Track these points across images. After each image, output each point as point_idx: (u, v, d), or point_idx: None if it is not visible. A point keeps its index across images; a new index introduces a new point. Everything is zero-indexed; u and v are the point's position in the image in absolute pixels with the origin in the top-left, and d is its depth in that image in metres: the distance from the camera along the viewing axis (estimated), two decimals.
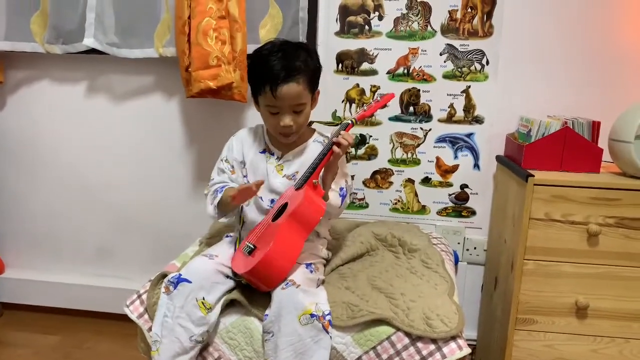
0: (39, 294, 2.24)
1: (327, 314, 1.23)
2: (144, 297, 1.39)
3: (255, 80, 1.39)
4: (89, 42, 1.88)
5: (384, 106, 1.52)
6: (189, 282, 1.26)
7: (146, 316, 1.36)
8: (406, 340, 1.23)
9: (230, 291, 1.33)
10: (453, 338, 1.22)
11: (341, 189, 1.44)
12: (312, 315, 1.20)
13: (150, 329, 1.33)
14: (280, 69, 1.32)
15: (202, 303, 1.25)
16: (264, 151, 1.49)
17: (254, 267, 1.23)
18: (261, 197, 1.45)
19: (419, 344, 1.22)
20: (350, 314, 1.26)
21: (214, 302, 1.28)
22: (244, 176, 1.49)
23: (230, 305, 1.31)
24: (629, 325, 1.50)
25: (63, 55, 1.99)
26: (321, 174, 1.36)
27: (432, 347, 1.22)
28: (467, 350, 1.22)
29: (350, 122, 1.41)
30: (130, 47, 1.92)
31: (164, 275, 1.39)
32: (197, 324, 1.25)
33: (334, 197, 1.40)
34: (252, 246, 1.29)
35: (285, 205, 1.32)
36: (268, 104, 1.37)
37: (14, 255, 2.29)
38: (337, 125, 1.47)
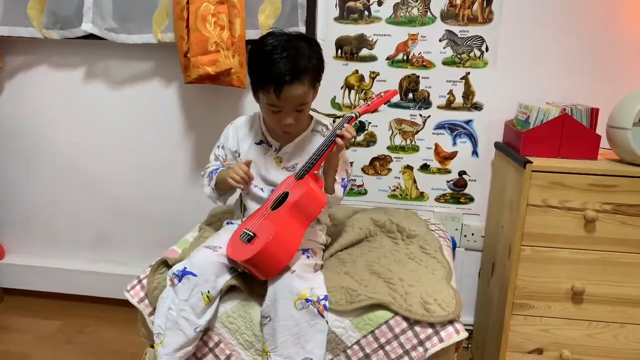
0: (38, 280, 2.25)
1: (323, 299, 1.24)
2: (145, 282, 1.40)
3: (257, 78, 1.33)
4: (87, 27, 1.87)
5: (387, 102, 1.51)
6: (194, 275, 1.25)
7: (147, 301, 1.38)
8: (404, 325, 1.24)
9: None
10: (450, 322, 1.23)
11: (343, 179, 1.44)
12: (307, 300, 1.21)
13: (150, 314, 1.35)
14: (286, 72, 1.27)
15: (207, 296, 1.26)
16: (260, 142, 1.48)
17: (254, 255, 1.21)
18: (262, 189, 1.45)
19: (417, 328, 1.24)
20: (349, 298, 1.27)
21: (217, 294, 1.29)
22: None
23: (230, 291, 1.32)
24: (624, 311, 1.52)
25: (61, 41, 1.98)
26: (322, 165, 1.36)
27: (429, 331, 1.23)
28: (464, 334, 1.23)
29: (353, 115, 1.41)
30: (128, 33, 1.91)
31: (165, 261, 1.40)
32: (200, 316, 1.26)
33: (336, 188, 1.41)
34: (251, 234, 1.27)
35: (285, 195, 1.32)
36: (270, 103, 1.33)
37: (14, 240, 2.30)
38: (339, 117, 1.46)
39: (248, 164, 1.40)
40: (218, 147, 1.52)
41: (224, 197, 1.52)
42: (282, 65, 1.28)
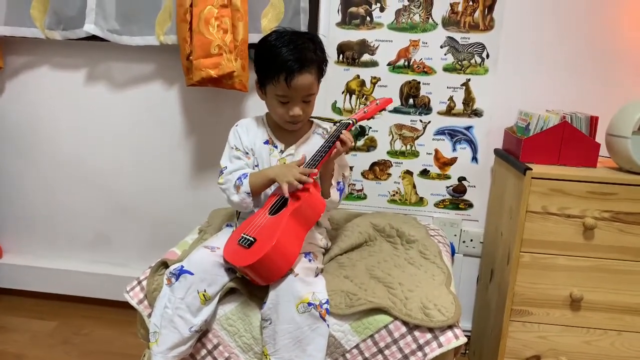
0: (36, 280, 2.24)
1: (324, 303, 1.24)
2: (144, 283, 1.40)
3: (266, 71, 1.37)
4: (89, 28, 1.87)
5: (382, 110, 1.54)
6: (191, 274, 1.25)
7: (146, 302, 1.37)
8: (403, 329, 1.24)
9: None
10: (450, 327, 1.23)
11: (338, 183, 1.46)
12: (309, 304, 1.21)
13: (149, 315, 1.34)
14: (295, 60, 1.32)
15: (203, 295, 1.26)
16: (266, 142, 1.48)
17: (256, 262, 1.20)
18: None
19: (416, 333, 1.24)
20: (349, 302, 1.27)
21: (214, 294, 1.28)
22: (255, 165, 1.47)
23: (229, 293, 1.32)
24: (622, 318, 1.53)
25: (63, 42, 1.99)
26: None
27: (428, 336, 1.23)
28: (463, 340, 1.24)
29: (350, 121, 1.43)
30: (131, 34, 1.91)
31: (164, 263, 1.40)
32: (196, 315, 1.26)
33: (332, 193, 1.42)
34: (251, 239, 1.26)
35: (283, 200, 1.31)
36: (279, 93, 1.37)
37: (12, 240, 2.29)
38: (335, 122, 1.49)
39: (301, 163, 1.37)
40: (232, 149, 1.47)
41: (257, 199, 1.42)
42: (290, 55, 1.33)
